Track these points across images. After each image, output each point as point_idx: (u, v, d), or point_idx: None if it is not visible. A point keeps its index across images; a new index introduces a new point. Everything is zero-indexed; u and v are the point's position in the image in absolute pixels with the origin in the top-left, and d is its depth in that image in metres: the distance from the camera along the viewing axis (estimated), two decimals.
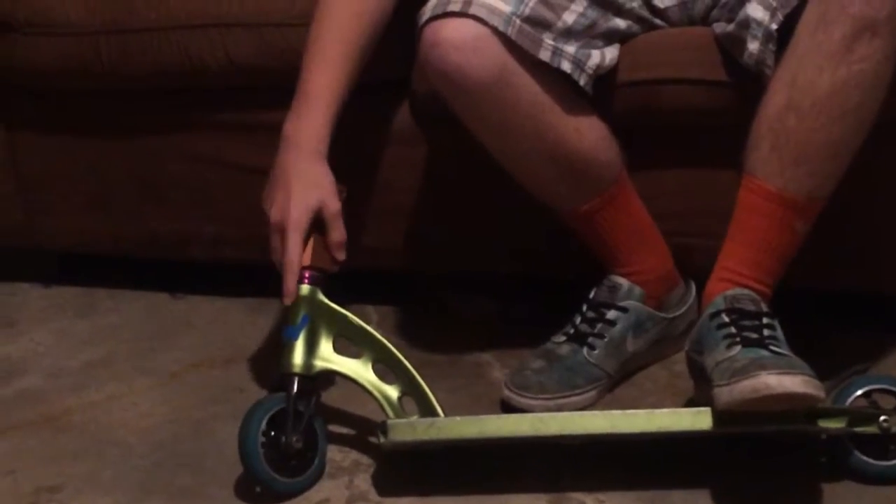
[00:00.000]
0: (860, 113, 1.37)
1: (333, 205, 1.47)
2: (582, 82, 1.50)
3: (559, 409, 1.53)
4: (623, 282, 1.61)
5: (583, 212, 1.58)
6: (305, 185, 1.46)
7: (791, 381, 1.27)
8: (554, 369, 1.56)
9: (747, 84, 1.50)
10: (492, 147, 1.54)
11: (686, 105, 1.59)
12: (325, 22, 1.51)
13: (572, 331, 1.61)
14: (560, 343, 1.61)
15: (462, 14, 1.43)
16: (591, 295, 1.62)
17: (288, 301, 1.45)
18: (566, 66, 1.48)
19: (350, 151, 1.55)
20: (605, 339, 1.59)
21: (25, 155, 1.97)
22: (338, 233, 1.47)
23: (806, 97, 1.37)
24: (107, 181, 1.94)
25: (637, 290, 1.60)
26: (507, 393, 1.56)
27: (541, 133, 1.51)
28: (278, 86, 1.55)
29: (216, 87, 1.81)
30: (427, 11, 1.46)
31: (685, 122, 1.62)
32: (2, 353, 1.86)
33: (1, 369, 1.80)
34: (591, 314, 1.61)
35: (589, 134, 1.54)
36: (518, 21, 1.44)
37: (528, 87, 1.48)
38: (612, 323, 1.59)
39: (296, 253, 1.44)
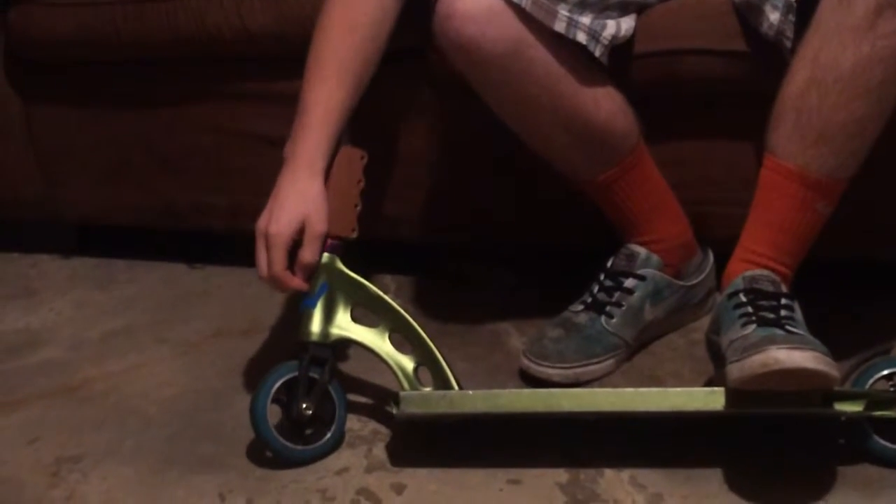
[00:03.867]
0: (884, 90, 1.35)
1: (317, 225, 1.45)
2: (598, 53, 1.49)
3: (577, 377, 1.53)
4: (641, 250, 1.60)
5: (600, 181, 1.57)
6: (294, 200, 1.45)
7: (801, 356, 1.26)
8: (572, 338, 1.56)
9: (765, 54, 1.49)
10: (508, 118, 1.53)
11: (704, 75, 1.58)
12: (321, 38, 1.50)
13: (590, 300, 1.61)
14: (577, 312, 1.60)
15: None
16: (609, 264, 1.62)
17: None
18: (581, 38, 1.47)
19: (370, 121, 1.55)
20: (623, 308, 1.58)
21: (42, 127, 1.98)
22: (308, 253, 1.45)
23: (829, 74, 1.35)
24: (124, 153, 1.95)
25: (655, 258, 1.60)
26: (525, 362, 1.56)
27: (556, 104, 1.50)
28: (294, 55, 1.54)
29: (232, 57, 1.80)
30: None
31: (703, 91, 1.61)
32: (22, 323, 1.87)
33: (21, 340, 1.81)
34: (608, 283, 1.60)
35: (605, 104, 1.53)
36: None
37: (543, 58, 1.47)
38: (629, 291, 1.59)
39: (276, 265, 1.44)
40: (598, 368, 1.56)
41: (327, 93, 1.48)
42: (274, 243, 1.44)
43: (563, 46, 1.47)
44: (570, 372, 1.53)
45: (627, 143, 1.56)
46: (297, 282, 1.45)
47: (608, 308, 1.59)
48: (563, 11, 1.46)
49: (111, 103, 1.91)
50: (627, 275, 1.60)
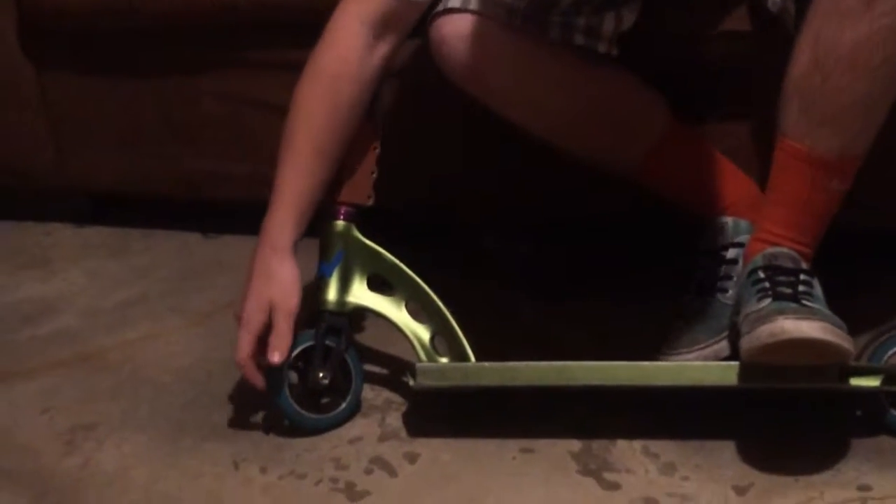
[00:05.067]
0: (887, 69, 1.33)
1: (285, 304, 1.41)
2: (601, 50, 1.48)
3: (716, 355, 1.47)
4: (726, 219, 1.56)
5: (648, 163, 1.56)
6: (262, 282, 1.43)
7: (809, 326, 1.25)
8: (696, 321, 1.51)
9: (771, 34, 1.48)
10: (532, 127, 1.53)
11: (715, 56, 1.58)
12: (298, 115, 1.46)
13: (695, 285, 1.55)
14: (690, 302, 1.54)
15: (462, 10, 1.43)
16: (699, 244, 1.57)
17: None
18: (579, 40, 1.46)
19: (385, 92, 1.54)
20: (734, 279, 1.52)
21: (56, 96, 1.97)
22: (278, 337, 1.41)
23: (829, 56, 1.33)
24: (138, 121, 1.94)
25: (742, 222, 1.56)
26: (660, 359, 1.49)
27: (570, 101, 1.50)
28: (308, 23, 1.53)
29: (248, 25, 1.80)
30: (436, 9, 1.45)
31: (715, 72, 1.60)
32: (36, 292, 1.87)
33: (35, 309, 1.82)
34: (707, 261, 1.55)
35: (621, 87, 1.52)
36: (521, 7, 1.43)
37: (546, 65, 1.47)
38: (734, 261, 1.53)
39: (241, 351, 1.41)
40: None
41: (300, 175, 1.44)
42: (243, 327, 1.41)
43: (564, 48, 1.47)
44: (708, 351, 1.47)
45: (658, 118, 1.55)
46: (257, 378, 1.41)
47: (719, 283, 1.53)
48: (555, 18, 1.44)
49: (126, 72, 1.91)
50: (725, 247, 1.56)
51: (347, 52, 1.44)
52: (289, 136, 1.45)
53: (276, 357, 1.40)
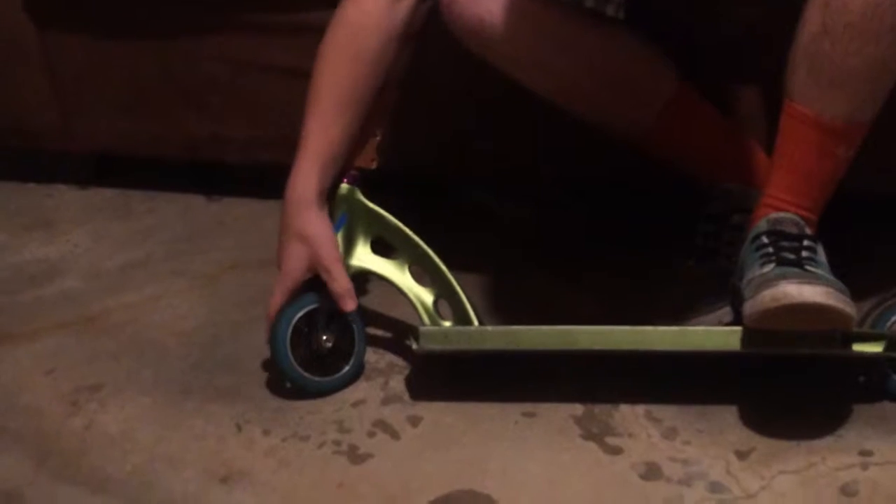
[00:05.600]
0: None
1: (326, 255, 1.44)
2: (609, 13, 1.47)
3: (718, 320, 1.47)
4: (732, 186, 1.55)
5: (654, 130, 1.55)
6: (297, 239, 1.44)
7: (811, 291, 1.25)
8: (700, 287, 1.51)
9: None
10: (541, 89, 1.52)
11: (724, 20, 1.57)
12: (322, 68, 1.46)
13: (699, 250, 1.55)
14: (694, 268, 1.54)
15: None
16: (704, 210, 1.56)
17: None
18: (588, 3, 1.45)
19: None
20: (739, 245, 1.49)
21: (60, 57, 1.96)
22: (336, 284, 1.44)
23: (839, 20, 1.32)
24: (142, 83, 1.94)
25: (749, 188, 1.55)
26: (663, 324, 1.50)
27: (580, 66, 1.49)
28: None
29: None
30: None
31: (723, 36, 1.60)
32: (40, 254, 1.87)
33: (39, 270, 1.82)
34: (712, 227, 1.54)
35: (630, 56, 1.52)
36: None
37: (554, 27, 1.46)
38: (739, 228, 1.51)
39: (273, 305, 1.44)
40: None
41: (324, 126, 1.45)
42: (279, 285, 1.44)
43: (573, 10, 1.45)
44: (711, 317, 1.47)
45: (665, 83, 1.55)
46: (269, 331, 1.44)
47: (724, 250, 1.52)
48: None
49: (129, 33, 1.90)
50: (731, 213, 1.53)
51: (370, 4, 1.45)
52: (312, 88, 1.46)
53: (349, 305, 1.44)
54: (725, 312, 1.47)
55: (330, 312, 1.44)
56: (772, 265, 1.33)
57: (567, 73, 1.50)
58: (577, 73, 1.50)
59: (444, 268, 1.45)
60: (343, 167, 1.48)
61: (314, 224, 1.45)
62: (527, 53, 1.48)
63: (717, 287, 1.49)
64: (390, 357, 1.52)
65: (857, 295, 1.31)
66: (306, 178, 1.45)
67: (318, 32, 1.48)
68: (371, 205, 1.48)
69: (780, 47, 1.40)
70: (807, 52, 1.36)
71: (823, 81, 1.35)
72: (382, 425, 1.40)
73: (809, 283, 1.26)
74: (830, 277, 1.31)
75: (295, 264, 1.44)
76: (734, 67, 1.63)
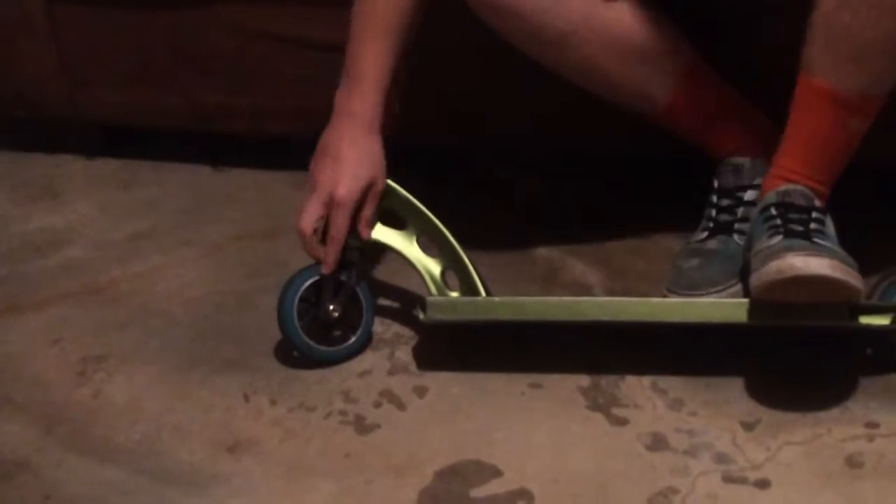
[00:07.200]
0: None
1: (381, 183, 1.45)
2: None
3: (730, 297, 1.45)
4: (744, 160, 1.54)
5: (668, 105, 1.55)
6: (359, 159, 1.44)
7: (818, 263, 1.25)
8: (713, 263, 1.48)
9: None
10: (556, 65, 1.52)
11: None
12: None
13: (712, 224, 1.54)
14: (705, 240, 1.53)
15: None
16: (717, 184, 1.55)
17: (327, 270, 1.44)
18: None
19: None
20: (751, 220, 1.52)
21: (67, 27, 1.96)
22: (370, 211, 1.45)
23: None
24: (149, 53, 1.93)
25: (759, 162, 1.55)
26: (672, 298, 1.47)
27: (594, 41, 1.49)
28: None
29: None
30: None
31: (737, 11, 1.59)
32: (46, 223, 1.87)
33: (45, 240, 1.82)
34: (725, 202, 1.53)
35: (644, 31, 1.51)
36: None
37: (571, 2, 1.46)
38: (751, 203, 1.51)
39: (342, 229, 1.43)
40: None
41: (380, 53, 1.45)
42: (340, 205, 1.43)
43: None
44: (724, 293, 1.46)
45: (680, 57, 1.54)
46: (319, 251, 1.44)
47: (736, 226, 1.51)
48: None
49: (136, 2, 1.89)
50: (743, 188, 1.55)
51: None
52: (362, 15, 1.46)
53: (366, 232, 1.45)
54: (738, 290, 1.45)
55: (338, 283, 1.44)
56: (779, 237, 1.32)
57: (583, 49, 1.49)
58: (592, 48, 1.49)
59: (451, 239, 1.45)
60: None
61: (380, 150, 1.45)
62: (544, 29, 1.47)
63: (729, 264, 1.48)
64: (397, 327, 1.53)
65: (865, 268, 1.31)
66: (372, 106, 1.44)
67: (319, 3, 1.47)
68: None
69: (790, 19, 1.40)
70: (824, 24, 1.35)
71: (840, 53, 1.34)
72: (389, 395, 1.41)
73: (816, 255, 1.26)
74: (838, 250, 1.30)
75: (358, 189, 1.43)
76: (750, 40, 1.62)
